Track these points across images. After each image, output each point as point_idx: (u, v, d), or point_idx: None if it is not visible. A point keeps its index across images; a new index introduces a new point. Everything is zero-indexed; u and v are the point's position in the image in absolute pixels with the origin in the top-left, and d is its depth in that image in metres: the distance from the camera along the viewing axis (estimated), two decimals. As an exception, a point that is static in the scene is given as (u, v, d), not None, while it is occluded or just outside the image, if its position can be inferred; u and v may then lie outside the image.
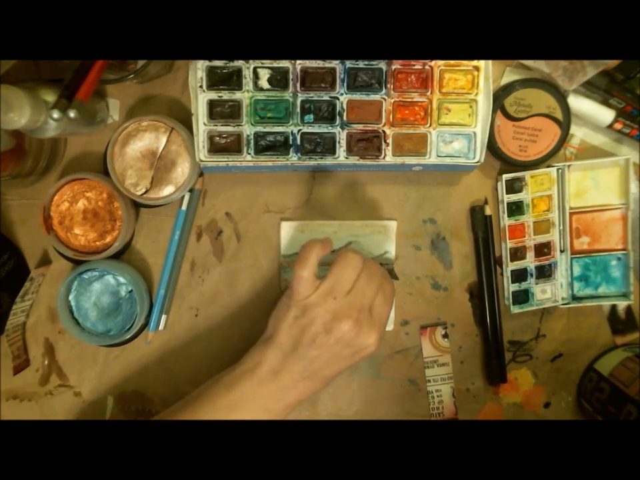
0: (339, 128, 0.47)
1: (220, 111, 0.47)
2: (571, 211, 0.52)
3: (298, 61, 0.47)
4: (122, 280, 0.50)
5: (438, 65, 0.47)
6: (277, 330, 0.43)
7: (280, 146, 0.48)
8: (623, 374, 0.50)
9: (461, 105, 0.48)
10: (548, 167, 0.51)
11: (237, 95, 0.47)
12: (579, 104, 0.50)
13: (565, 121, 0.50)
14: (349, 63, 0.47)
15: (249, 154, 0.47)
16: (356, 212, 0.53)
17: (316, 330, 0.41)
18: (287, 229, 0.52)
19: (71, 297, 0.50)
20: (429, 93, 0.48)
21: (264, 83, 0.47)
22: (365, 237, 0.52)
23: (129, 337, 0.50)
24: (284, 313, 0.43)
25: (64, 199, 0.48)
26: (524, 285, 0.52)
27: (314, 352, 0.41)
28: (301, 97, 0.47)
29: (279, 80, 0.47)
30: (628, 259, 0.52)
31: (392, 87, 0.47)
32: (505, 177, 0.51)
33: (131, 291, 0.50)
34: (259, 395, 0.42)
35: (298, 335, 0.42)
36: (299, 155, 0.48)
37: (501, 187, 0.51)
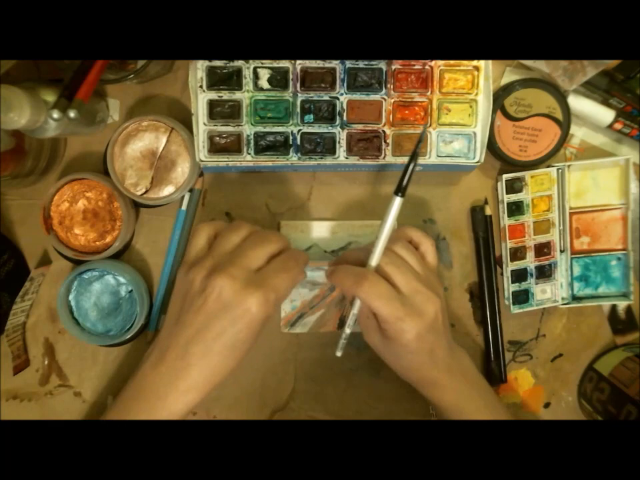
0: (338, 128, 0.47)
1: (220, 111, 0.47)
2: (571, 211, 0.52)
3: (298, 61, 0.47)
4: (122, 280, 0.50)
5: (438, 65, 0.47)
6: (170, 302, 0.42)
7: (280, 146, 0.48)
8: (622, 374, 0.50)
9: (460, 105, 0.48)
10: (548, 166, 0.51)
11: (237, 95, 0.47)
12: (579, 104, 0.50)
13: (565, 121, 0.50)
14: (348, 63, 0.47)
15: (249, 154, 0.47)
16: (356, 212, 0.52)
17: (193, 291, 0.38)
18: (286, 229, 0.52)
19: (71, 297, 0.50)
20: (429, 93, 0.48)
21: (264, 83, 0.47)
22: (364, 237, 0.52)
23: (129, 337, 0.50)
24: (176, 281, 0.42)
25: (64, 198, 0.48)
26: (524, 285, 0.52)
27: (194, 318, 0.38)
28: (300, 97, 0.47)
29: (279, 80, 0.47)
30: (628, 259, 0.52)
31: (392, 86, 0.47)
32: (505, 176, 0.51)
33: (131, 290, 0.50)
34: (150, 381, 0.39)
35: (180, 301, 0.40)
36: (298, 154, 0.48)
37: (501, 186, 0.51)
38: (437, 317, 0.41)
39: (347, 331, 0.44)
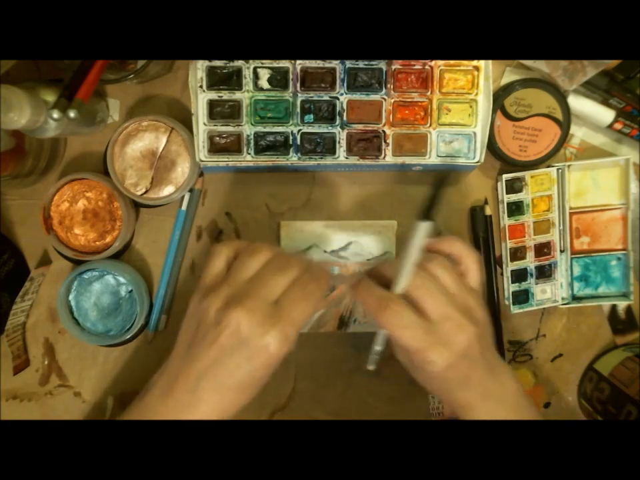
0: (338, 128, 0.47)
1: (220, 111, 0.47)
2: (571, 211, 0.52)
3: (298, 61, 0.47)
4: (122, 280, 0.50)
5: (438, 65, 0.47)
6: (180, 327, 0.39)
7: (280, 146, 0.48)
8: (623, 374, 0.50)
9: (461, 105, 0.48)
10: (548, 166, 0.51)
11: (237, 95, 0.47)
12: (579, 104, 0.50)
13: (565, 121, 0.50)
14: (349, 63, 0.47)
15: (249, 154, 0.47)
16: (356, 212, 0.52)
17: (208, 321, 0.36)
18: (286, 229, 0.52)
19: (70, 297, 0.50)
20: (429, 93, 0.48)
21: (264, 83, 0.47)
22: (364, 237, 0.52)
23: (129, 336, 0.50)
24: (189, 306, 0.39)
25: (64, 198, 0.48)
26: (524, 285, 0.52)
27: (207, 351, 0.35)
28: (301, 97, 0.47)
29: (279, 80, 0.47)
30: (628, 259, 0.52)
31: (392, 86, 0.47)
32: (505, 176, 0.51)
33: (131, 290, 0.50)
34: (159, 412, 0.37)
35: (193, 330, 0.37)
36: (298, 154, 0.48)
37: (501, 186, 0.51)
38: (471, 345, 0.37)
39: (377, 348, 0.41)
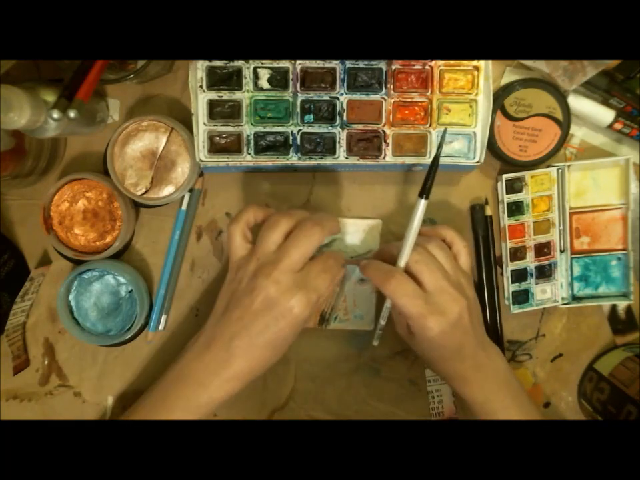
0: (338, 128, 0.47)
1: (220, 111, 0.47)
2: (571, 211, 0.52)
3: (298, 61, 0.47)
4: (122, 280, 0.50)
5: (438, 65, 0.47)
6: (216, 299, 0.44)
7: (280, 146, 0.48)
8: (623, 374, 0.50)
9: (461, 105, 0.48)
10: (548, 166, 0.51)
11: (237, 95, 0.47)
12: (579, 104, 0.50)
13: (565, 121, 0.50)
14: (349, 63, 0.47)
15: (249, 154, 0.47)
16: (356, 212, 0.52)
17: (242, 290, 0.41)
18: None
19: (70, 297, 0.50)
20: (429, 93, 0.48)
21: (264, 83, 0.47)
22: (349, 235, 0.52)
23: (129, 336, 0.50)
24: (225, 280, 0.44)
25: (64, 198, 0.48)
26: (524, 285, 0.52)
27: (241, 313, 0.40)
28: (301, 97, 0.47)
29: (279, 80, 0.47)
30: (628, 259, 0.52)
31: (392, 86, 0.47)
32: (505, 176, 0.51)
33: (131, 290, 0.50)
34: (194, 368, 0.41)
35: (228, 298, 0.42)
36: (299, 154, 0.48)
37: (501, 186, 0.51)
38: (462, 316, 0.42)
39: (382, 322, 0.47)
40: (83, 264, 0.49)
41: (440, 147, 0.42)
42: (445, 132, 0.44)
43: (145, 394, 0.44)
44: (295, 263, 0.41)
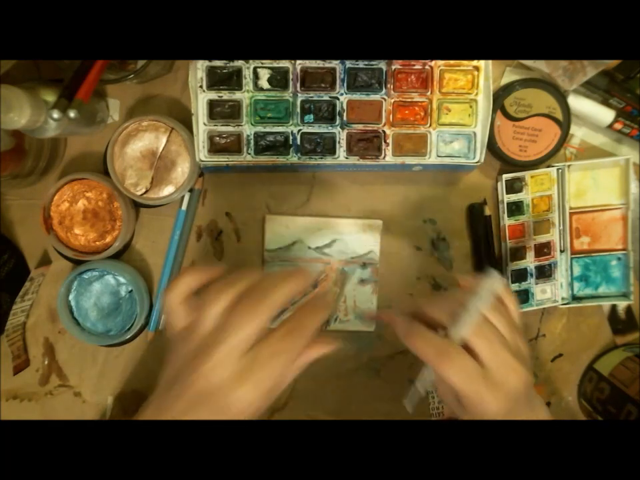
0: (338, 128, 0.47)
1: (220, 111, 0.47)
2: (571, 211, 0.52)
3: (298, 61, 0.47)
4: (122, 280, 0.50)
5: (438, 65, 0.47)
6: (163, 364, 0.37)
7: (280, 146, 0.48)
8: (622, 374, 0.50)
9: (461, 105, 0.48)
10: (548, 166, 0.51)
11: (237, 95, 0.47)
12: (579, 104, 0.50)
13: (565, 121, 0.50)
14: (349, 63, 0.47)
15: (249, 154, 0.47)
16: (356, 212, 0.52)
17: (185, 367, 0.34)
18: (271, 224, 0.51)
19: (70, 297, 0.50)
20: (429, 93, 0.48)
21: (264, 83, 0.47)
22: (349, 236, 0.52)
23: (129, 336, 0.50)
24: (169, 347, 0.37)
25: (64, 198, 0.48)
26: (524, 285, 0.52)
27: (178, 402, 0.34)
28: (301, 97, 0.47)
29: (279, 80, 0.47)
30: (628, 259, 0.52)
31: (392, 86, 0.47)
32: (505, 176, 0.51)
33: (131, 290, 0.50)
34: None
35: (175, 370, 0.35)
36: (299, 155, 0.48)
37: (501, 186, 0.51)
38: (520, 389, 0.37)
39: (421, 391, 0.41)
40: (83, 264, 0.49)
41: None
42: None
43: None
44: (239, 345, 0.33)
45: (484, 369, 0.36)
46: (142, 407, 0.37)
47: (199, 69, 0.46)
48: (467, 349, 0.37)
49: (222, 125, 0.47)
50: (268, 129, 0.47)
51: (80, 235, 0.48)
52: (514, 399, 0.37)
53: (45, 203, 0.48)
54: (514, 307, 0.41)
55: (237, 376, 0.33)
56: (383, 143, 0.48)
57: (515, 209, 0.51)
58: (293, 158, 0.48)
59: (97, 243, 0.49)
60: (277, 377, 0.34)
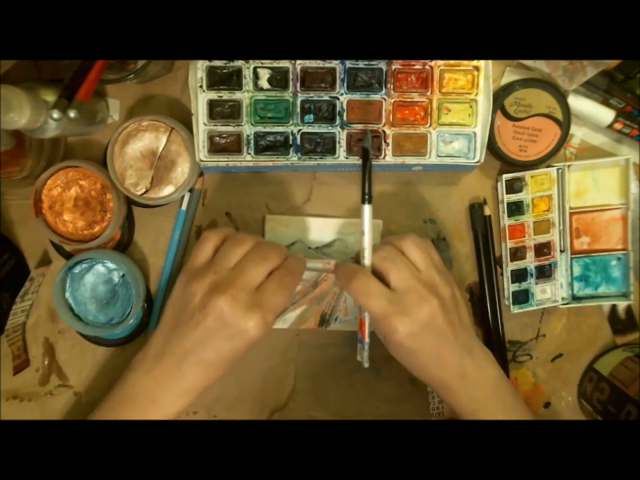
0: (338, 128, 0.47)
1: (220, 111, 0.47)
2: (571, 211, 0.52)
3: (298, 61, 0.47)
4: (111, 266, 0.50)
5: (438, 65, 0.47)
6: (164, 307, 0.42)
7: (280, 146, 0.48)
8: (622, 374, 0.50)
9: (461, 105, 0.48)
10: (548, 166, 0.51)
11: (237, 95, 0.47)
12: (579, 104, 0.50)
13: (565, 121, 0.50)
14: (349, 63, 0.47)
15: (249, 154, 0.47)
16: (356, 212, 0.52)
17: (194, 305, 0.39)
18: (271, 223, 0.51)
19: (67, 295, 0.50)
20: (429, 93, 0.48)
21: (264, 83, 0.47)
22: (350, 235, 0.52)
23: (131, 321, 0.49)
24: (175, 286, 0.42)
25: (57, 184, 0.48)
26: (524, 285, 0.52)
27: (193, 331, 0.39)
28: (300, 97, 0.47)
29: (279, 80, 0.47)
30: (628, 259, 0.52)
31: (392, 87, 0.47)
32: (505, 176, 0.51)
33: (124, 275, 0.50)
34: (144, 385, 0.40)
35: (179, 311, 0.40)
36: (299, 154, 0.48)
37: (501, 186, 0.51)
38: (434, 316, 0.39)
39: (367, 340, 0.44)
40: (70, 259, 0.49)
41: (366, 151, 0.42)
42: (367, 134, 0.45)
43: (93, 414, 0.42)
44: (252, 281, 0.40)
45: (392, 293, 0.40)
46: (145, 344, 0.42)
47: (199, 69, 0.46)
48: (381, 276, 0.41)
49: (222, 125, 0.47)
50: (268, 129, 0.47)
51: (68, 221, 0.48)
52: (427, 328, 0.39)
53: (37, 186, 0.47)
54: (435, 255, 0.44)
55: (249, 307, 0.38)
56: (383, 142, 0.48)
57: (515, 209, 0.51)
58: (292, 158, 0.48)
59: (85, 232, 0.48)
60: (280, 308, 0.40)
